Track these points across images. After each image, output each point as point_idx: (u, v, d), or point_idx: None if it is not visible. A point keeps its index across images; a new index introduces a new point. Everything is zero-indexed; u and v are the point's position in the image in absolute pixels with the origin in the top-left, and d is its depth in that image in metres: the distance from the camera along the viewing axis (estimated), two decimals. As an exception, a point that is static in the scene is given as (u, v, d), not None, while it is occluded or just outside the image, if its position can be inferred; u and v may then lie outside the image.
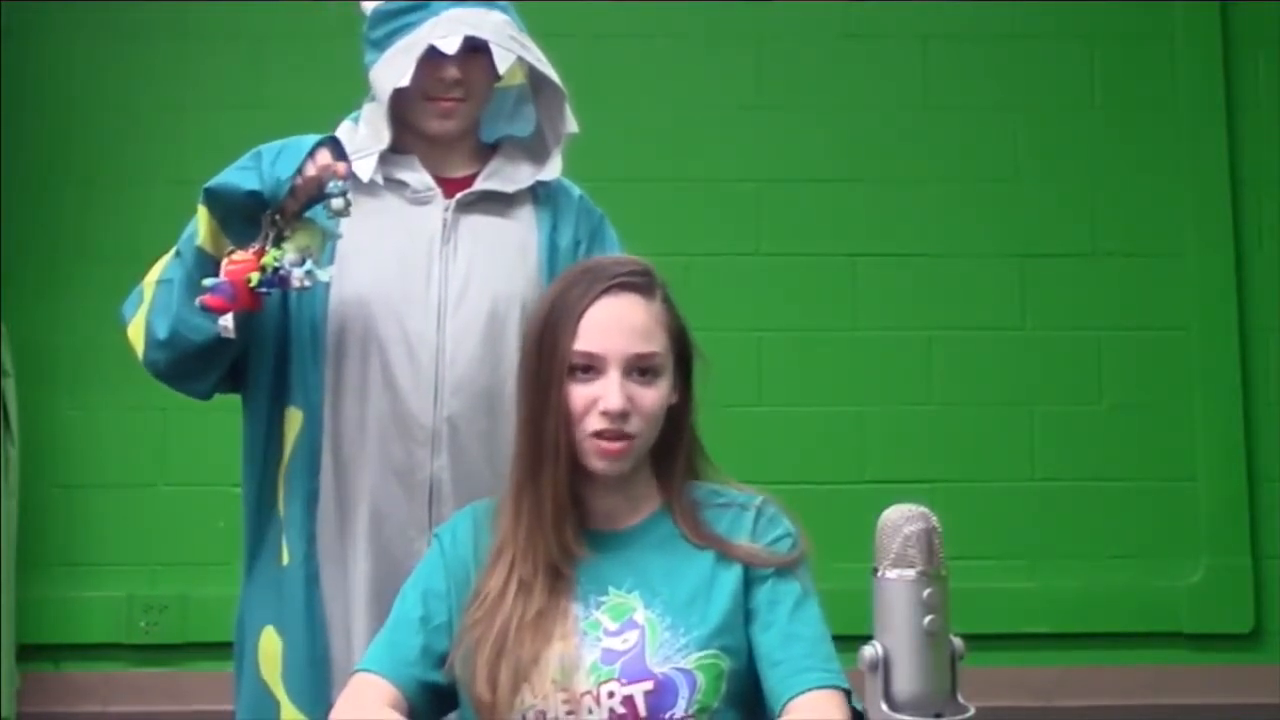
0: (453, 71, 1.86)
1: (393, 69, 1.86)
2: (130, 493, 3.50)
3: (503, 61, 1.86)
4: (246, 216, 1.75)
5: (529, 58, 1.89)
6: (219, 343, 1.77)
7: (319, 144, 1.74)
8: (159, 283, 1.84)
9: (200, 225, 1.78)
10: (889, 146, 3.65)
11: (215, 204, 1.76)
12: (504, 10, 1.91)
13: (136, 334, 1.86)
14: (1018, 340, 3.61)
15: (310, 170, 1.72)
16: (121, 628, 3.45)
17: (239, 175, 1.75)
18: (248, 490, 1.94)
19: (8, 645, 3.26)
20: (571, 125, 1.95)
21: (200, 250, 1.78)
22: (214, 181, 1.76)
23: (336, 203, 1.73)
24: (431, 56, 1.84)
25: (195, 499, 3.43)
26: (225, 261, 1.73)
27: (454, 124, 1.91)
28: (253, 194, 1.72)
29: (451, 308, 1.86)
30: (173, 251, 1.84)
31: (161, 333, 1.81)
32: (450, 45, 1.83)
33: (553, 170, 1.96)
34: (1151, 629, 3.51)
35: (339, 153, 1.76)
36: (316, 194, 1.73)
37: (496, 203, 1.93)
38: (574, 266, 1.72)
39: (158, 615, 3.44)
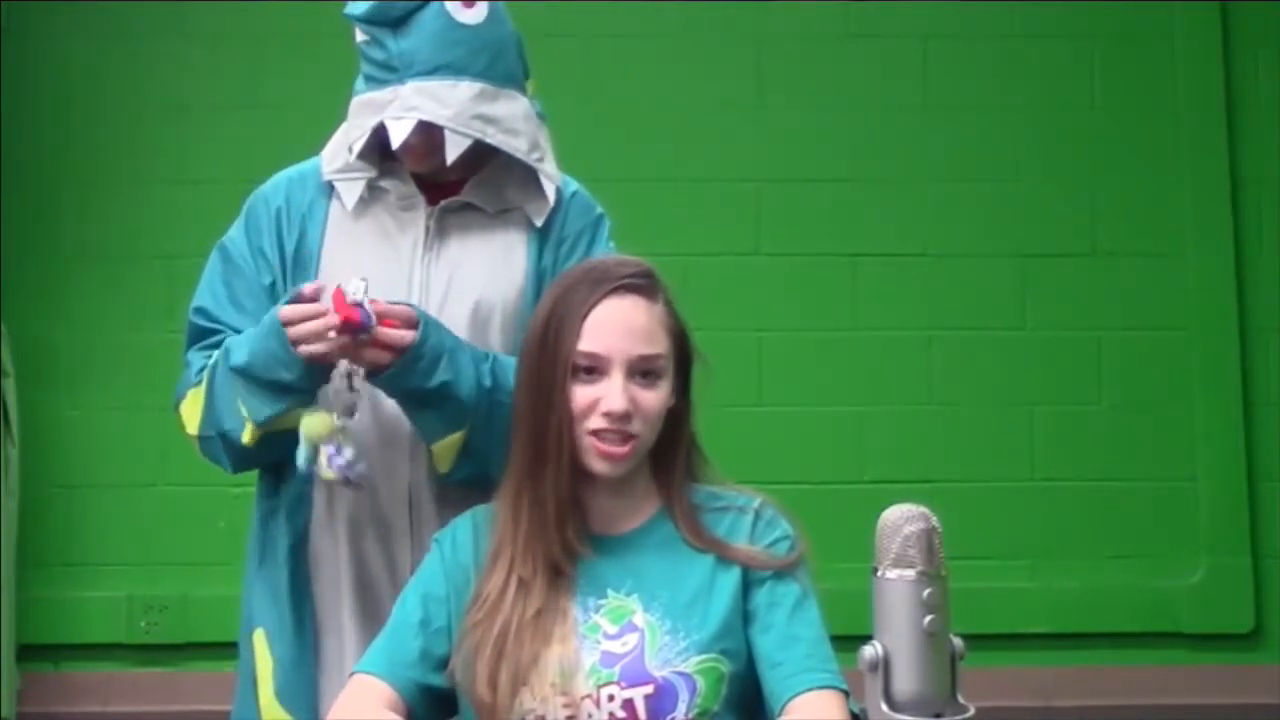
0: (411, 141, 1.81)
1: (357, 124, 1.84)
2: (130, 493, 3.50)
3: (453, 149, 1.80)
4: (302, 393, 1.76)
5: (490, 139, 1.81)
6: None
7: (280, 324, 1.71)
8: (201, 439, 1.85)
9: (249, 437, 1.78)
10: (889, 146, 3.65)
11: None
12: (485, 71, 1.82)
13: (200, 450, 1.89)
14: (1018, 340, 3.61)
15: (305, 334, 1.70)
16: (121, 628, 3.45)
17: (273, 403, 1.75)
18: (260, 489, 1.94)
19: (8, 645, 3.26)
20: (550, 194, 1.89)
21: (248, 446, 1.79)
22: (269, 413, 1.75)
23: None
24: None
25: (195, 499, 3.43)
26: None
27: (424, 168, 1.88)
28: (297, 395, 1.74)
29: (433, 314, 1.85)
30: (202, 406, 1.83)
31: (230, 470, 1.88)
32: (398, 133, 1.78)
33: (539, 214, 1.91)
34: (1151, 629, 3.52)
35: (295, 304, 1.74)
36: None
37: (482, 210, 1.91)
38: (576, 267, 1.71)
39: (158, 615, 3.44)
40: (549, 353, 1.58)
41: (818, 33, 3.68)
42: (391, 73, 1.81)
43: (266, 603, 1.89)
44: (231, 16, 3.62)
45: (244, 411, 1.77)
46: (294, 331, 1.70)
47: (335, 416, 1.73)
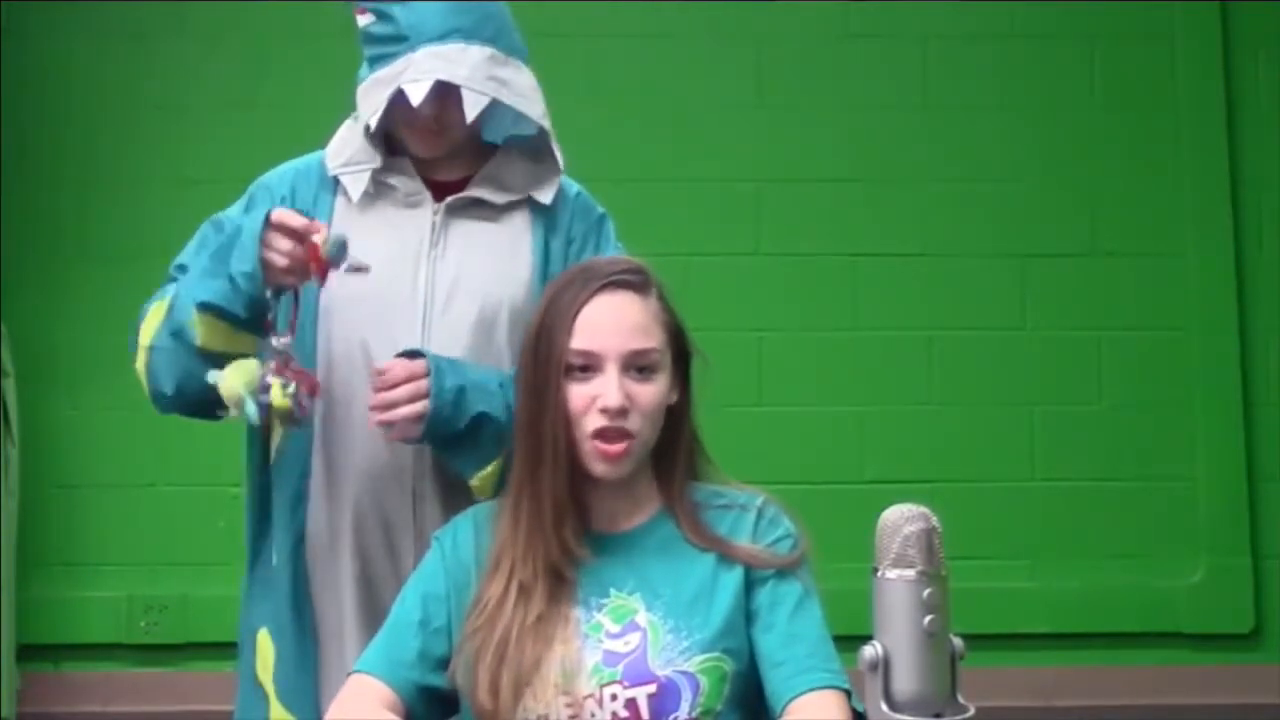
0: (426, 110, 1.82)
1: (371, 100, 1.85)
2: (130, 493, 3.50)
3: (472, 107, 1.81)
4: (255, 317, 1.75)
5: (505, 99, 1.83)
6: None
7: (266, 224, 1.70)
8: (153, 350, 1.82)
9: (197, 330, 1.75)
10: (889, 146, 3.65)
11: (218, 313, 1.74)
12: (492, 40, 1.84)
13: (141, 376, 1.86)
14: (1018, 340, 3.61)
15: (279, 245, 1.70)
16: (121, 628, 3.45)
17: (220, 291, 1.73)
18: (248, 490, 1.94)
19: (8, 645, 3.26)
20: (559, 162, 1.91)
21: (203, 349, 1.76)
22: (209, 297, 1.73)
23: (346, 264, 1.71)
24: (404, 97, 1.82)
25: (195, 499, 3.43)
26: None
27: (437, 150, 1.89)
28: (249, 307, 1.73)
29: (438, 311, 1.85)
30: (165, 329, 1.80)
31: (168, 389, 1.82)
32: (417, 94, 1.79)
33: (547, 195, 1.92)
34: (1151, 629, 3.52)
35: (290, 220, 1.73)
36: (314, 265, 1.70)
37: (488, 206, 1.92)
38: (569, 268, 1.71)
39: (158, 615, 3.44)
40: (543, 354, 1.58)
41: (818, 33, 3.68)
42: (402, 42, 1.82)
43: (266, 603, 1.90)
44: (231, 16, 3.62)
45: (193, 293, 1.75)
46: (272, 239, 1.70)
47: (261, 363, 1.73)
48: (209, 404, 1.80)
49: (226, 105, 3.59)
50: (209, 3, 3.62)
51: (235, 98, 3.60)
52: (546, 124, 1.88)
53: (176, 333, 1.77)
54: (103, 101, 3.61)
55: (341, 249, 1.69)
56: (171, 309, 1.79)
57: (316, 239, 1.69)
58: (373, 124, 1.84)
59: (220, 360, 1.75)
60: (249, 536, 1.94)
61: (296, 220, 1.71)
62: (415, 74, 1.79)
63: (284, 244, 1.70)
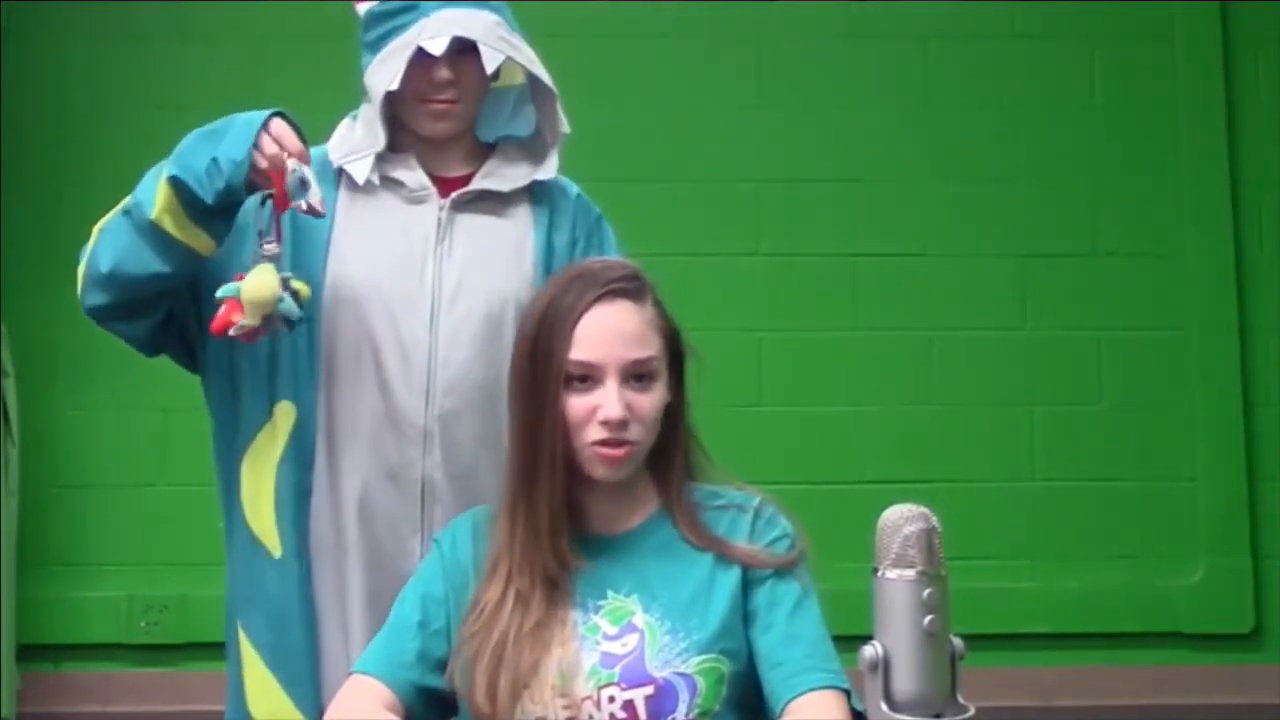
0: (443, 72, 1.86)
1: (384, 71, 1.86)
2: (130, 493, 3.50)
3: (490, 61, 1.85)
4: (217, 212, 1.76)
5: (518, 58, 1.88)
6: (159, 281, 1.79)
7: (269, 118, 1.76)
8: (101, 231, 1.84)
9: (158, 198, 1.77)
10: (889, 146, 3.65)
11: (183, 192, 1.75)
12: (496, 11, 1.90)
13: (82, 268, 1.86)
14: (1018, 340, 3.61)
15: (267, 149, 1.73)
16: (121, 628, 3.45)
17: (195, 171, 1.75)
18: (220, 478, 1.94)
19: (8, 645, 3.26)
20: (563, 125, 1.95)
21: (154, 225, 1.77)
22: (182, 173, 1.76)
23: (300, 204, 1.72)
24: (422, 58, 1.84)
25: (195, 499, 3.40)
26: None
27: (448, 125, 1.91)
28: (224, 191, 1.74)
29: (445, 307, 1.86)
30: (120, 210, 1.83)
31: (105, 266, 1.81)
32: (437, 46, 1.83)
33: (549, 170, 1.95)
34: (1151, 629, 3.52)
35: (289, 126, 1.78)
36: (281, 187, 1.73)
37: (492, 202, 1.93)
38: (562, 273, 1.69)
39: (158, 615, 3.44)
40: (540, 363, 1.57)
41: (818, 33, 3.68)
42: (412, 10, 1.86)
43: (248, 592, 1.90)
44: (231, 16, 3.62)
45: (166, 170, 1.77)
46: (265, 141, 1.73)
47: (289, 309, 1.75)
48: (143, 300, 1.81)
49: (226, 105, 3.56)
50: (209, 4, 3.62)
51: (235, 98, 3.56)
52: (553, 86, 1.92)
53: (130, 210, 1.79)
54: (103, 102, 3.61)
55: (300, 186, 1.72)
56: (131, 196, 1.81)
57: (290, 164, 1.72)
58: (395, 85, 1.85)
59: (166, 245, 1.76)
60: (224, 526, 1.95)
61: (291, 141, 1.74)
62: (432, 32, 1.84)
63: (271, 148, 1.73)
